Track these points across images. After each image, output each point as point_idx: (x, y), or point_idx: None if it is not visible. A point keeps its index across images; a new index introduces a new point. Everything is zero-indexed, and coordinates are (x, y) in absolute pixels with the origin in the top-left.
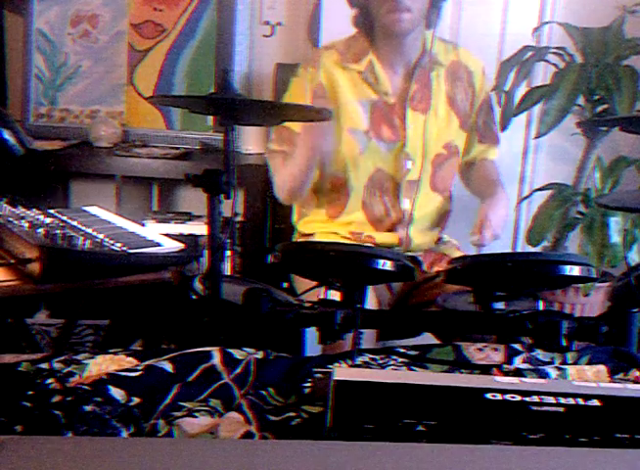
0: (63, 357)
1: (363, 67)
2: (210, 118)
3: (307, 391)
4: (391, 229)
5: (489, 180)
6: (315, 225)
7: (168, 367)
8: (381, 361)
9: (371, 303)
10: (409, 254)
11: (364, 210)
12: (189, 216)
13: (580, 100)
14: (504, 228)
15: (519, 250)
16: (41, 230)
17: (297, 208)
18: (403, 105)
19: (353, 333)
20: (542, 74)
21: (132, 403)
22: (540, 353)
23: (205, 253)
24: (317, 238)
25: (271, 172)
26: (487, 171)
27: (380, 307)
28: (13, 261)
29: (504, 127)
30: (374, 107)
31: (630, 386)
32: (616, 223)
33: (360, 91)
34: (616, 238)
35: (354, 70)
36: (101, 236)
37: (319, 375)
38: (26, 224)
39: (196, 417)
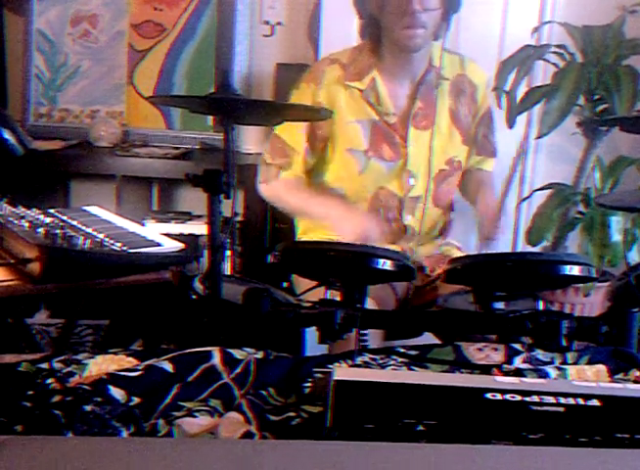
0: (63, 357)
1: (365, 85)
2: (210, 118)
3: (307, 391)
4: (393, 243)
5: (482, 185)
6: (316, 235)
7: (168, 367)
8: (381, 361)
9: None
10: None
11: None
12: (189, 216)
13: (580, 100)
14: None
15: (519, 250)
16: (41, 230)
17: None
18: (405, 123)
19: (355, 333)
20: (542, 74)
21: (132, 403)
22: (540, 353)
23: (205, 253)
24: None
25: (260, 178)
26: (482, 180)
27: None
28: (13, 261)
29: (511, 126)
30: (374, 126)
31: (630, 386)
32: (616, 223)
33: (360, 110)
34: (616, 238)
35: (356, 88)
36: (101, 236)
37: (319, 375)
38: (26, 224)
39: (196, 417)
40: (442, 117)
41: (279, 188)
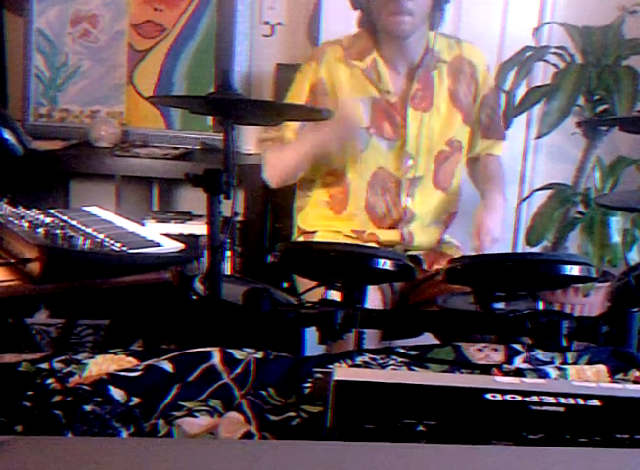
0: (63, 357)
1: (366, 64)
2: (210, 118)
3: (307, 391)
4: (394, 227)
5: (489, 178)
6: (317, 223)
7: (168, 367)
8: (381, 361)
9: (375, 301)
10: (410, 252)
11: (366, 208)
12: (189, 216)
13: (580, 100)
14: (502, 230)
15: (519, 250)
16: (41, 230)
17: (297, 191)
18: (404, 103)
19: (355, 333)
20: (542, 74)
21: (132, 403)
22: (540, 353)
23: (205, 253)
24: (319, 236)
25: (263, 161)
26: (490, 168)
27: (384, 305)
28: (13, 261)
29: (506, 127)
30: (375, 104)
31: (630, 386)
32: (616, 223)
33: (362, 88)
34: (616, 238)
35: (357, 66)
36: (101, 236)
37: (319, 375)
38: (26, 224)
39: (196, 417)
40: (441, 98)
41: (270, 159)
